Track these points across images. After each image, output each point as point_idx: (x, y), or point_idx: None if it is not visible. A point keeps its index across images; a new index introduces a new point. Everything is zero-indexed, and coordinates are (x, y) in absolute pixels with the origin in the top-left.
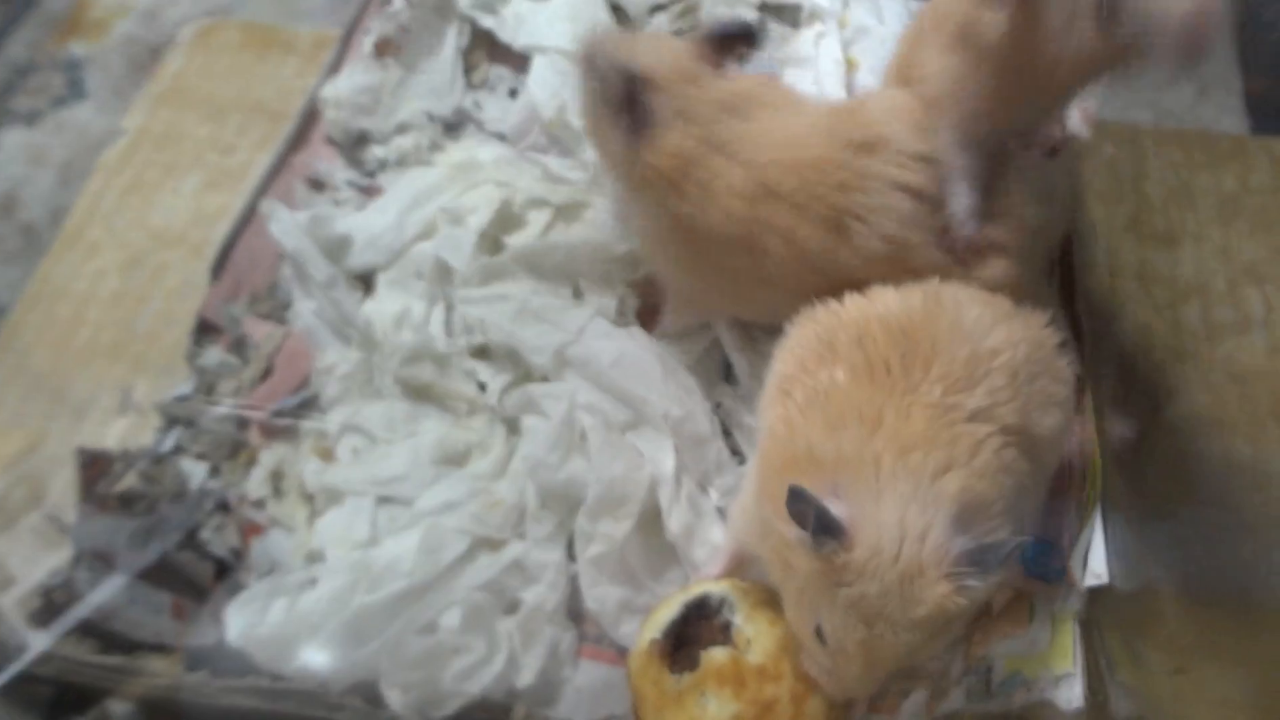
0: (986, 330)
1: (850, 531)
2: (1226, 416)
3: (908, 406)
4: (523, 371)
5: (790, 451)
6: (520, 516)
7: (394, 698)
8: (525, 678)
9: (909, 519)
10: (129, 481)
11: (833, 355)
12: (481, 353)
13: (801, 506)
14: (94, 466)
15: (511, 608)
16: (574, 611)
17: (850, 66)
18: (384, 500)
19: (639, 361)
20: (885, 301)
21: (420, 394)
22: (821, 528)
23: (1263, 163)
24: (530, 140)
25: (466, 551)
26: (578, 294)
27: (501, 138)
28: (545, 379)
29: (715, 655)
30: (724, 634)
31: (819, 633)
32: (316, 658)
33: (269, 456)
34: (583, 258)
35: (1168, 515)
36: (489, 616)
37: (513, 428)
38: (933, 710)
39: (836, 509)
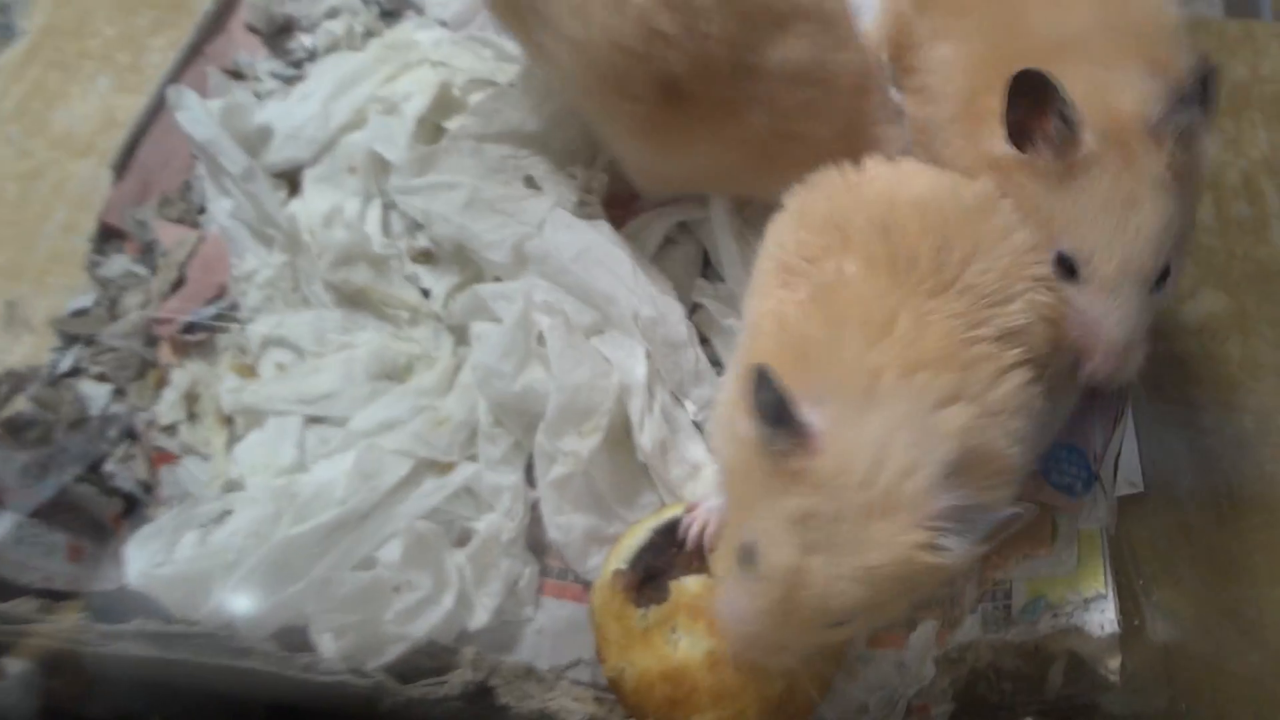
0: (1034, 241)
1: (818, 438)
2: (1246, 317)
3: (927, 314)
4: (472, 272)
5: (777, 349)
6: (471, 435)
7: (325, 643)
8: (478, 618)
9: (895, 447)
10: (18, 406)
11: (845, 241)
12: (424, 257)
13: (765, 395)
14: None
15: (462, 539)
16: (535, 543)
17: None
18: (313, 421)
19: (606, 256)
20: (921, 182)
21: (354, 301)
22: (779, 418)
23: (1274, 49)
24: (474, 28)
25: (409, 476)
26: (531, 184)
27: (444, 25)
28: (498, 280)
29: (687, 585)
30: (699, 562)
31: (748, 555)
32: (233, 599)
33: (181, 376)
34: (538, 142)
35: (1190, 422)
36: (436, 549)
37: (461, 337)
38: (944, 641)
39: (813, 414)
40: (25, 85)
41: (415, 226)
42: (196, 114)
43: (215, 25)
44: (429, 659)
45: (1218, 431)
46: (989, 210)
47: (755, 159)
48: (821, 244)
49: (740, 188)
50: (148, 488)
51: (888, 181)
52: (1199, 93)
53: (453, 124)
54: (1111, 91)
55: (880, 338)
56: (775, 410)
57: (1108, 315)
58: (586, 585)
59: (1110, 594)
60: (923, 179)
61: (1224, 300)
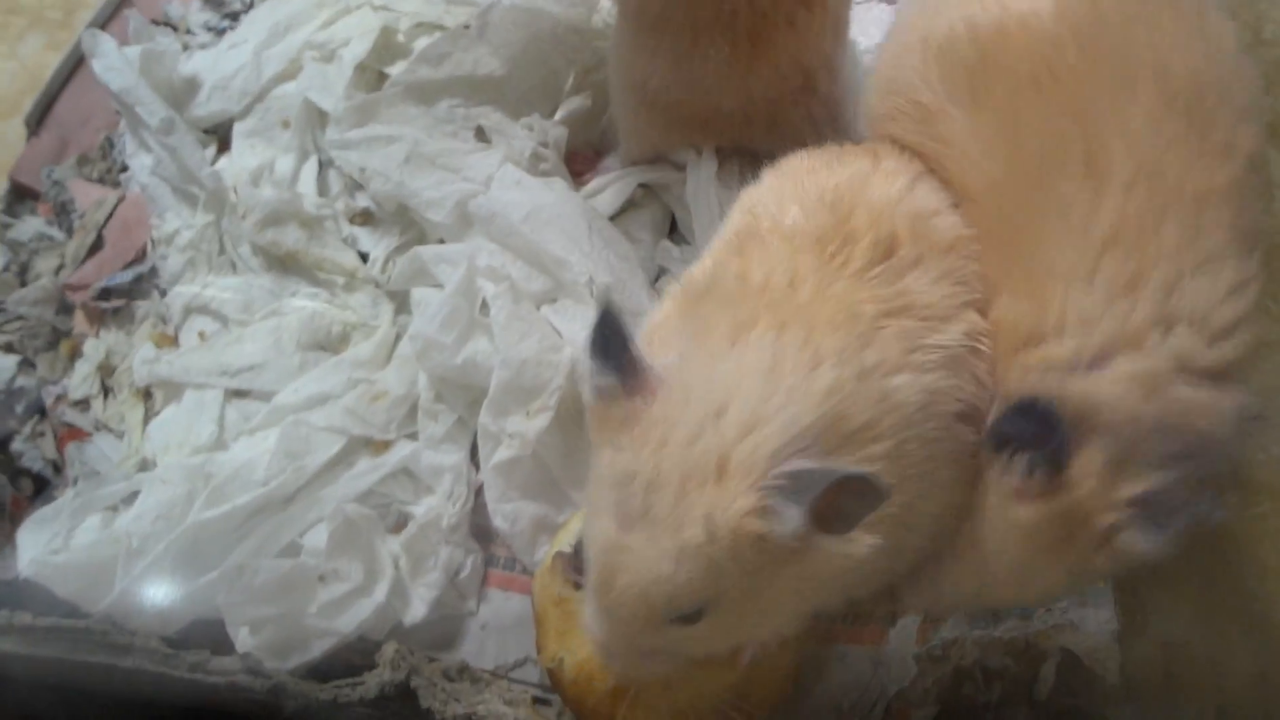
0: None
1: (654, 382)
2: None
3: (836, 287)
4: (414, 234)
5: (685, 291)
6: (410, 412)
7: (242, 638)
8: (415, 611)
9: (740, 398)
10: None
11: (794, 215)
12: (363, 218)
13: (600, 328)
14: None
15: (399, 526)
16: (480, 530)
17: None
18: (236, 395)
19: (559, 216)
20: (894, 182)
21: (285, 265)
22: (604, 352)
23: (1276, 13)
24: None
25: (340, 455)
26: (481, 138)
27: None
28: (442, 242)
29: None
30: None
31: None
32: (138, 590)
33: (96, 347)
34: (492, 89)
35: None
36: (367, 535)
37: (401, 305)
38: (925, 637)
39: (660, 362)
40: None
41: (354, 185)
42: (113, 61)
43: None
44: (360, 657)
45: None
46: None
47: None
48: (780, 217)
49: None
50: (57, 468)
51: (864, 171)
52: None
53: (396, 70)
54: None
55: (780, 291)
56: (605, 343)
57: None
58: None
59: (1108, 587)
60: (901, 181)
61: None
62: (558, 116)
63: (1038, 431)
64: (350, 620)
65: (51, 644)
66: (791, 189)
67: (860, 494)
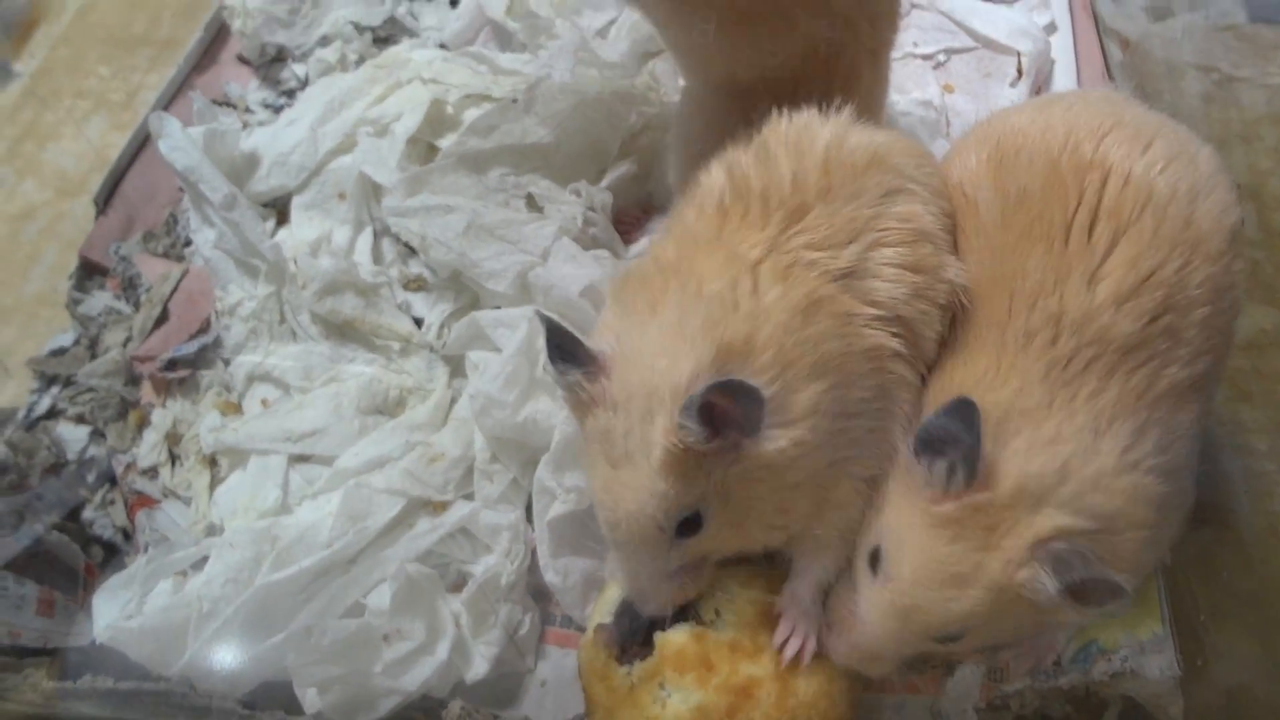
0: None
1: (607, 362)
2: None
3: (755, 241)
4: (468, 300)
5: (613, 285)
6: (466, 473)
7: (310, 699)
8: (476, 669)
9: (661, 352)
10: None
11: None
12: (417, 284)
13: (551, 337)
14: None
15: (458, 585)
16: (536, 588)
17: None
18: (298, 460)
19: None
20: (856, 131)
21: (343, 333)
22: (561, 355)
23: None
24: (477, 45)
25: (400, 516)
26: (533, 206)
27: (442, 47)
28: (498, 308)
29: (672, 637)
30: (687, 610)
31: None
32: (209, 653)
33: (163, 416)
34: (539, 157)
35: (1243, 446)
36: (429, 594)
37: (456, 369)
38: (989, 691)
39: (598, 341)
40: (18, 127)
41: (408, 253)
42: (178, 141)
43: (205, 57)
44: (424, 715)
45: (1273, 454)
46: (887, 169)
47: None
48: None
49: None
50: (127, 535)
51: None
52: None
53: (446, 142)
54: None
55: (676, 263)
56: (560, 349)
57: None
58: None
59: (1169, 634)
60: (864, 132)
61: (1274, 315)
62: (605, 182)
63: (960, 429)
64: (414, 679)
65: (132, 708)
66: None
67: (745, 399)
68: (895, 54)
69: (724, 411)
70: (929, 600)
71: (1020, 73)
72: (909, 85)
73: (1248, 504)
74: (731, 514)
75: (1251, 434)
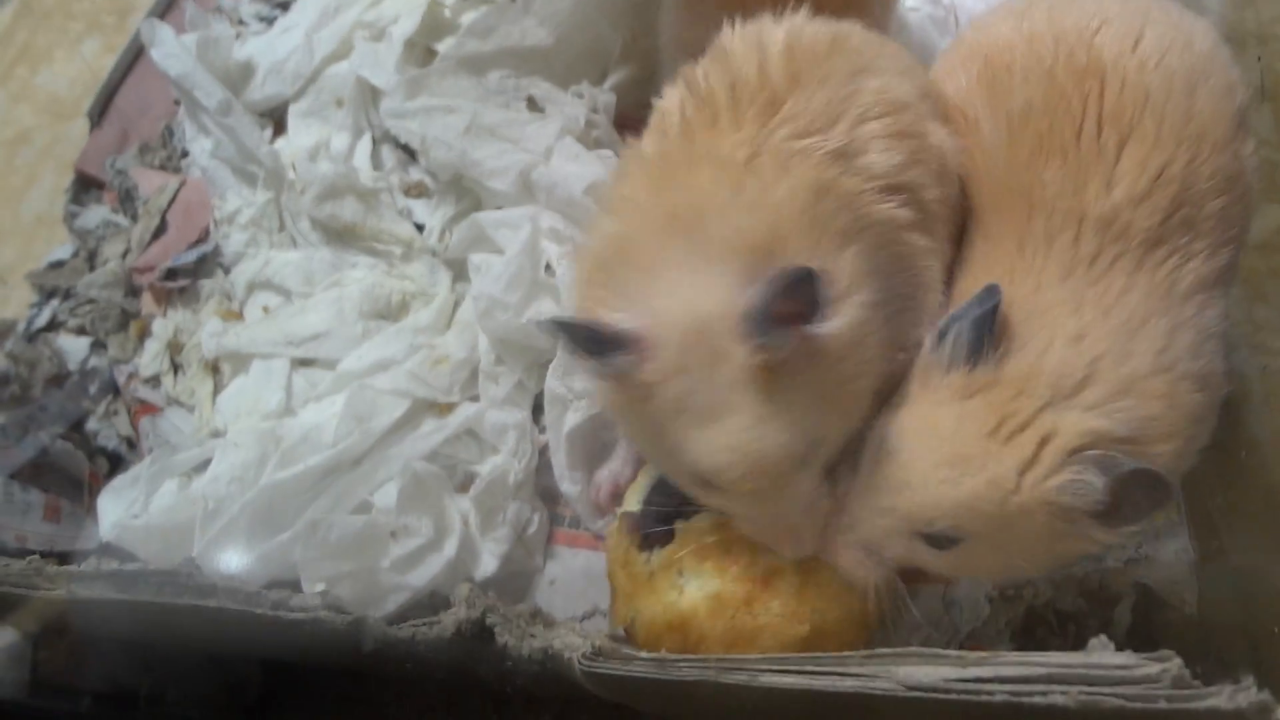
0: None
1: (637, 338)
2: None
3: (710, 141)
4: (469, 203)
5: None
6: (471, 375)
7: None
8: (485, 566)
9: (699, 296)
10: None
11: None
12: (418, 190)
13: (572, 337)
14: None
15: (465, 486)
16: (545, 490)
17: None
18: (301, 364)
19: None
20: (813, 25)
21: (343, 238)
22: (594, 351)
23: None
24: None
25: (405, 417)
26: (533, 107)
27: None
28: (499, 209)
29: (694, 525)
30: None
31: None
32: (216, 550)
33: (164, 326)
34: (540, 59)
35: (1259, 345)
36: (436, 492)
37: (459, 273)
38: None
39: (624, 319)
40: (11, 50)
41: (408, 160)
42: (171, 48)
43: None
44: (432, 614)
45: None
46: (849, 51)
47: None
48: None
49: None
50: (131, 443)
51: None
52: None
53: (445, 46)
54: None
55: (686, 182)
56: (587, 346)
57: None
58: (601, 535)
59: (1183, 519)
60: (819, 23)
61: None
62: (607, 84)
63: (974, 303)
64: (423, 575)
65: (138, 588)
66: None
67: (800, 285)
68: None
69: (785, 312)
70: (923, 477)
71: None
72: None
73: (1262, 401)
74: (839, 408)
75: (1265, 333)
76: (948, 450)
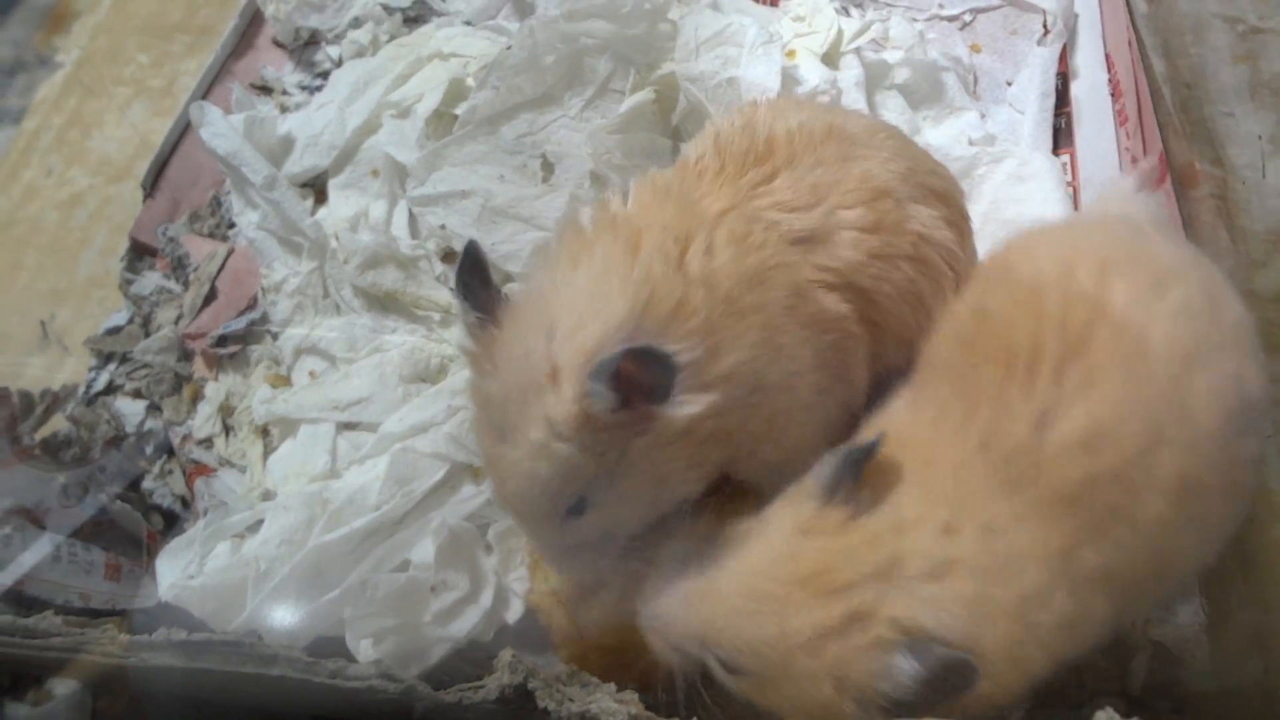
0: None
1: (503, 311)
2: None
3: (688, 187)
4: (502, 273)
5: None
6: None
7: (364, 650)
8: (515, 610)
9: (569, 310)
10: (56, 426)
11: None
12: (453, 256)
13: (467, 275)
14: (6, 407)
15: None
16: None
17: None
18: (346, 427)
19: None
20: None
21: (384, 305)
22: (467, 293)
23: None
24: (498, 20)
25: (444, 480)
26: (548, 166)
27: (468, 24)
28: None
29: None
30: None
31: None
32: (267, 609)
33: (216, 389)
34: (549, 103)
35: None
36: (469, 547)
37: None
38: None
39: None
40: (64, 115)
41: (444, 229)
42: (219, 128)
43: (241, 44)
44: (471, 666)
45: None
46: (844, 138)
47: None
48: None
49: None
50: (185, 503)
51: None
52: None
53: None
54: None
55: (617, 217)
56: (467, 285)
57: None
58: None
59: (1194, 582)
60: (825, 111)
61: None
62: (624, 109)
63: (850, 454)
64: (462, 626)
65: (205, 657)
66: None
67: (659, 366)
68: (921, 16)
69: (631, 378)
70: (726, 597)
71: (1046, 29)
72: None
73: (1277, 455)
74: (618, 495)
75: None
76: (759, 582)
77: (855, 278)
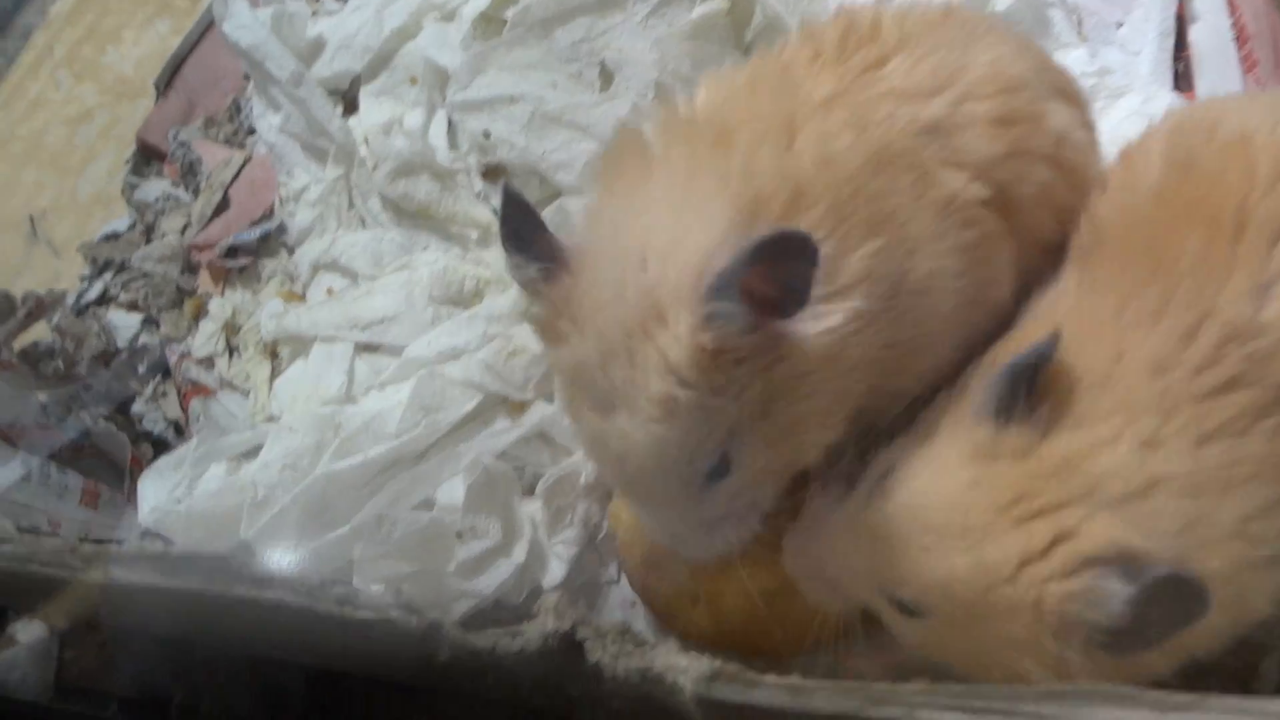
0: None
1: (568, 257)
2: None
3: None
4: (551, 189)
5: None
6: (547, 372)
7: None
8: (553, 573)
9: (655, 230)
10: (38, 335)
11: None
12: (496, 173)
13: (513, 222)
14: None
15: (532, 490)
16: None
17: None
18: (366, 349)
19: None
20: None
21: (416, 219)
22: (518, 243)
23: None
24: None
25: (475, 411)
26: (606, 76)
27: None
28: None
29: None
30: None
31: None
32: (263, 543)
33: (221, 305)
34: (613, 6)
35: None
36: (505, 492)
37: None
38: None
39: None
40: (79, 29)
41: (486, 140)
42: (243, 20)
43: None
44: (495, 624)
45: None
46: (964, 21)
47: None
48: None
49: None
50: (179, 428)
51: None
52: None
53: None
54: None
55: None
56: (517, 233)
57: None
58: None
59: None
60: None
61: None
62: (694, 14)
63: (1020, 364)
64: (489, 581)
65: (188, 574)
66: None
67: (793, 260)
68: None
69: (758, 291)
70: (905, 536)
71: None
72: None
73: None
74: (762, 440)
75: None
76: (944, 515)
77: (991, 174)
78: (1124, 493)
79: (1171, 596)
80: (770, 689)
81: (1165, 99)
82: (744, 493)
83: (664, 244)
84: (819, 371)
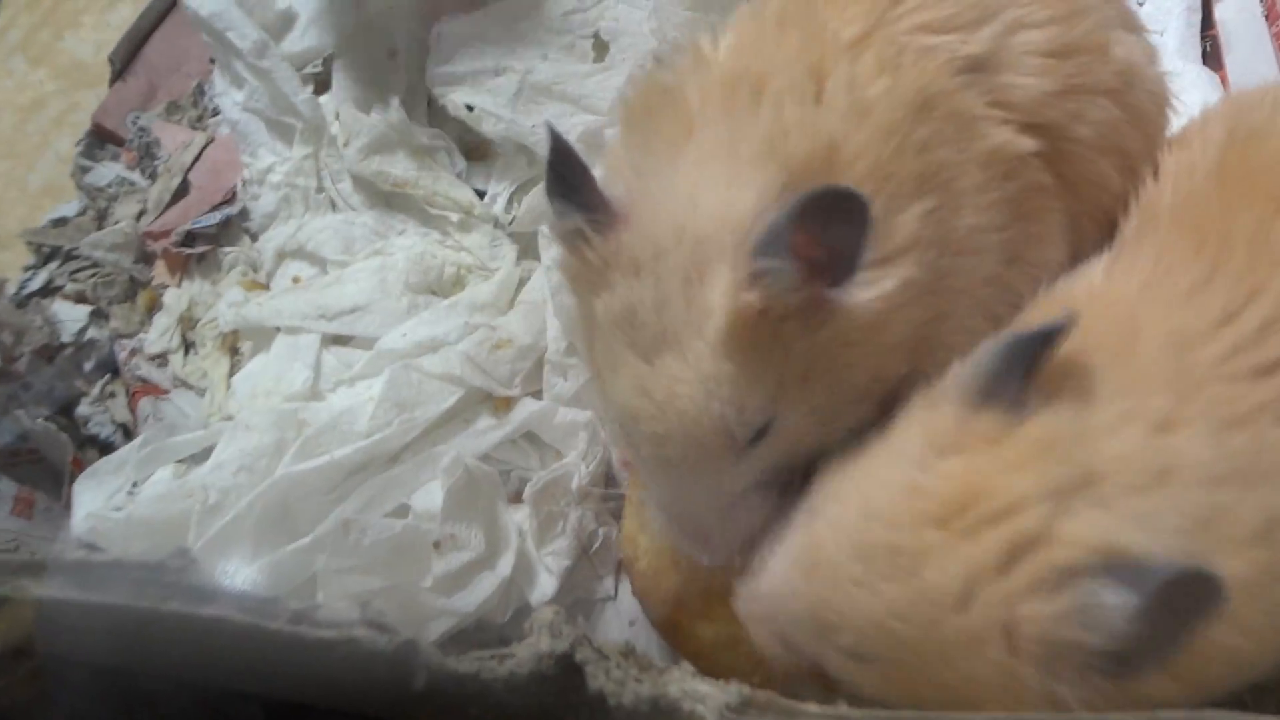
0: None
1: (617, 208)
2: None
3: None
4: (539, 170)
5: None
6: (536, 366)
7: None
8: (543, 588)
9: (706, 181)
10: None
11: None
12: (481, 152)
13: (560, 170)
14: None
15: (518, 498)
16: (619, 508)
17: None
18: (335, 341)
19: None
20: None
21: (391, 201)
22: (564, 193)
23: None
24: None
25: (456, 409)
26: (600, 46)
27: None
28: None
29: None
30: None
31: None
32: (214, 554)
33: (177, 297)
34: None
35: None
36: (489, 497)
37: (526, 248)
38: None
39: (614, 183)
40: (35, 14)
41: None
42: None
43: None
44: (478, 646)
45: None
46: None
47: None
48: None
49: None
50: (127, 433)
51: None
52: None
53: None
54: None
55: (725, 68)
56: (563, 183)
57: None
58: None
59: None
60: None
61: None
62: None
63: (1020, 340)
64: (471, 598)
65: (111, 586)
66: None
67: (843, 219)
68: None
69: (806, 253)
70: (833, 564)
71: None
72: None
73: None
74: (803, 402)
75: None
76: (874, 534)
77: (1043, 114)
78: (1128, 483)
79: (1183, 595)
80: (811, 718)
81: (1195, 74)
82: (773, 461)
83: (714, 201)
84: (862, 344)
